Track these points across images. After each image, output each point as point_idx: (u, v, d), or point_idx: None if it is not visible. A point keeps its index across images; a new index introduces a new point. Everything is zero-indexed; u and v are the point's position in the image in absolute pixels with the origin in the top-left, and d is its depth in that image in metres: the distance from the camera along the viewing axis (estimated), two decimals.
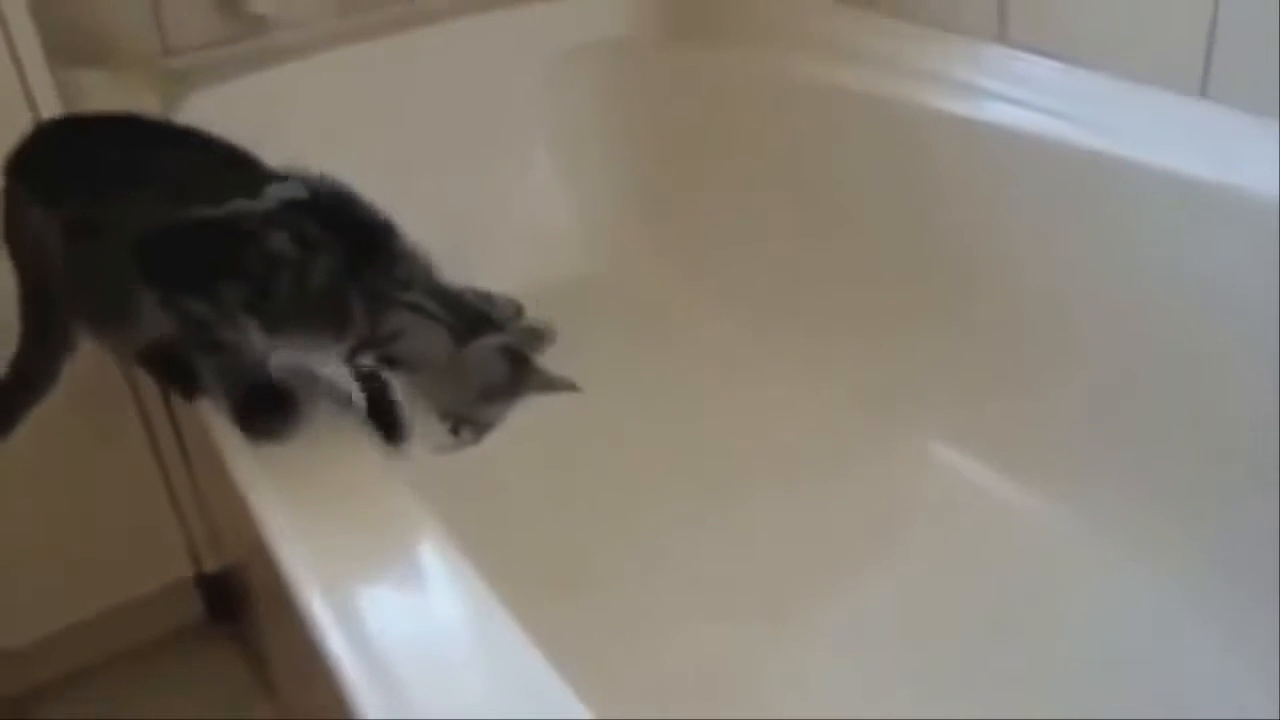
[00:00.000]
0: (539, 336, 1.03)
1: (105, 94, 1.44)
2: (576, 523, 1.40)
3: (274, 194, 0.95)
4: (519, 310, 1.03)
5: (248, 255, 0.93)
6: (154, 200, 0.95)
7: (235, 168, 1.00)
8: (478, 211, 1.80)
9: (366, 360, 0.97)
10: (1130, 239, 1.29)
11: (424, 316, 0.96)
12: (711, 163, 1.79)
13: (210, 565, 1.51)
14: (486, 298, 1.01)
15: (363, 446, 0.97)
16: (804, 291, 1.68)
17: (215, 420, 0.98)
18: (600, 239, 1.89)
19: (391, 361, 0.97)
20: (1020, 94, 1.40)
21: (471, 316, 0.97)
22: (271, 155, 1.48)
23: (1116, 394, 1.34)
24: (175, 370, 1.04)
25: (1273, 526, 1.15)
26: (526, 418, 1.02)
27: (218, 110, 1.57)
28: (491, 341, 0.97)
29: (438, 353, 0.96)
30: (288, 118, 1.64)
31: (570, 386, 1.01)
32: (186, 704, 1.45)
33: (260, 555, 0.87)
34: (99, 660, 1.49)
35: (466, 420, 0.99)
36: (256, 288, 0.94)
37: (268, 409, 0.97)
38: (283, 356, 0.98)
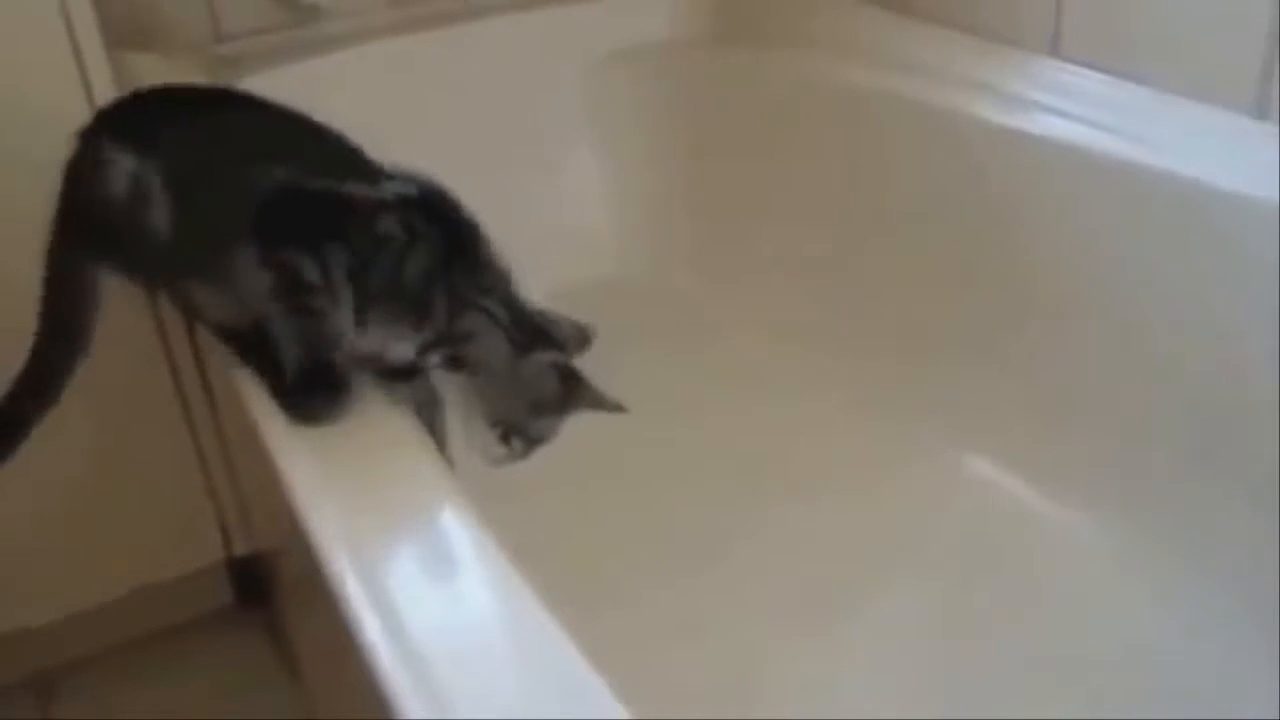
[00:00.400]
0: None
1: (157, 78, 1.44)
2: (606, 531, 1.40)
3: (390, 187, 1.00)
4: (587, 338, 1.05)
5: (358, 228, 0.96)
6: (268, 168, 0.97)
7: (349, 156, 1.03)
8: (517, 209, 1.78)
9: (436, 357, 0.99)
10: (1181, 257, 1.28)
11: (493, 323, 0.98)
12: (752, 168, 1.78)
13: (241, 549, 1.51)
14: (554, 320, 1.04)
15: (403, 429, 0.96)
16: (841, 301, 1.67)
17: (254, 397, 0.97)
18: (638, 242, 1.88)
19: (457, 361, 1.00)
20: (1072, 107, 1.39)
21: (533, 331, 1.00)
22: None
23: (1156, 409, 1.33)
24: (257, 353, 1.02)
25: None
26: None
27: (266, 96, 1.58)
28: (546, 357, 1.00)
29: (499, 360, 0.99)
30: (334, 106, 1.63)
31: (618, 407, 1.04)
32: (212, 687, 1.45)
33: (295, 537, 0.86)
34: (126, 641, 1.49)
35: (517, 431, 1.02)
36: (359, 260, 0.96)
37: (321, 389, 0.97)
38: (362, 340, 0.99)
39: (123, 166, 0.98)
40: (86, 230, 1.01)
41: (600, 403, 1.03)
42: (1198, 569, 1.27)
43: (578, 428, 1.04)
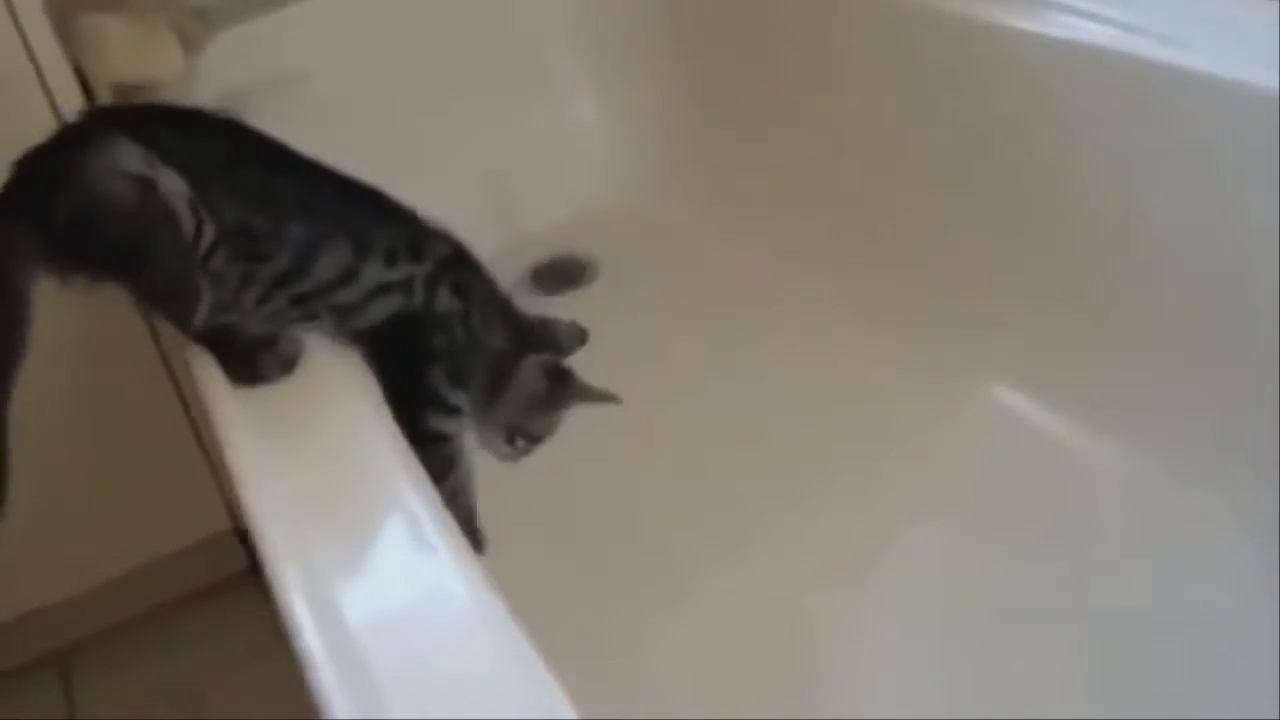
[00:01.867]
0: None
1: (123, 40, 1.40)
2: (632, 484, 1.37)
3: (433, 253, 1.03)
4: (583, 337, 1.14)
5: (437, 338, 1.02)
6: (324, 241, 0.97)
7: (385, 211, 1.03)
8: (511, 144, 1.75)
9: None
10: (1201, 159, 1.19)
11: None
12: (751, 86, 1.71)
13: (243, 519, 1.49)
14: (552, 325, 1.12)
15: (360, 415, 0.92)
16: (848, 223, 1.60)
17: (207, 383, 0.94)
18: (635, 169, 1.82)
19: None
20: (1086, 5, 1.29)
21: (528, 337, 1.08)
22: (301, 95, 1.47)
23: (1185, 328, 1.25)
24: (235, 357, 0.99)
25: None
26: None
27: (244, 51, 1.54)
28: (535, 359, 1.06)
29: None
30: (315, 55, 1.60)
31: (611, 399, 1.09)
32: (230, 652, 1.45)
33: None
34: (142, 613, 1.50)
35: (519, 430, 1.08)
36: (452, 362, 1.04)
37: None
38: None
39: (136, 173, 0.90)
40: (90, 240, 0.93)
41: (592, 396, 1.08)
42: (1229, 503, 1.20)
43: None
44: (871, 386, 1.46)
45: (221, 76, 1.45)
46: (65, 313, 1.28)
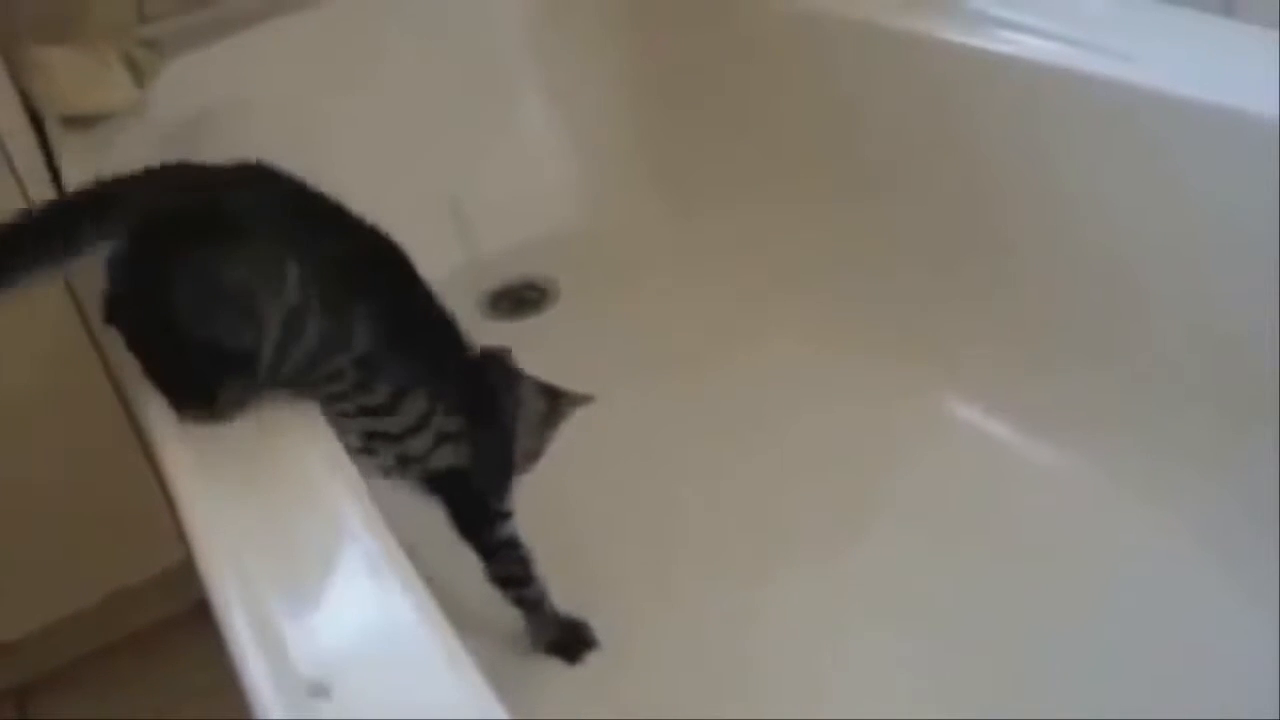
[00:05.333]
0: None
1: (73, 70, 1.39)
2: (607, 489, 1.37)
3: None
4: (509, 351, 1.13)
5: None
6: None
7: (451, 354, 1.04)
8: (470, 167, 1.74)
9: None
10: (1161, 176, 1.21)
11: None
12: (709, 101, 1.71)
13: None
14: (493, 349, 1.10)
15: (308, 450, 0.91)
16: (812, 242, 1.61)
17: (156, 425, 0.92)
18: (598, 190, 1.82)
19: None
20: (1034, 21, 1.31)
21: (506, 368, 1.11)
22: (255, 122, 1.46)
23: (1138, 341, 1.27)
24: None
25: None
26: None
27: (196, 78, 1.53)
28: (529, 383, 1.10)
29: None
30: (269, 80, 1.59)
31: (588, 399, 1.12)
32: (188, 685, 1.43)
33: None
34: (105, 646, 1.49)
35: (531, 454, 1.11)
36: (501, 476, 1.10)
37: None
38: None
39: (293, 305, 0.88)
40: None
41: (577, 401, 1.11)
42: (1185, 506, 1.22)
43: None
44: (835, 388, 1.48)
45: (175, 105, 1.44)
46: (20, 350, 1.29)
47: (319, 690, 0.69)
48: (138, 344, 0.91)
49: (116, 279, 0.88)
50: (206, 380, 0.90)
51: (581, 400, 1.11)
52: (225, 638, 0.75)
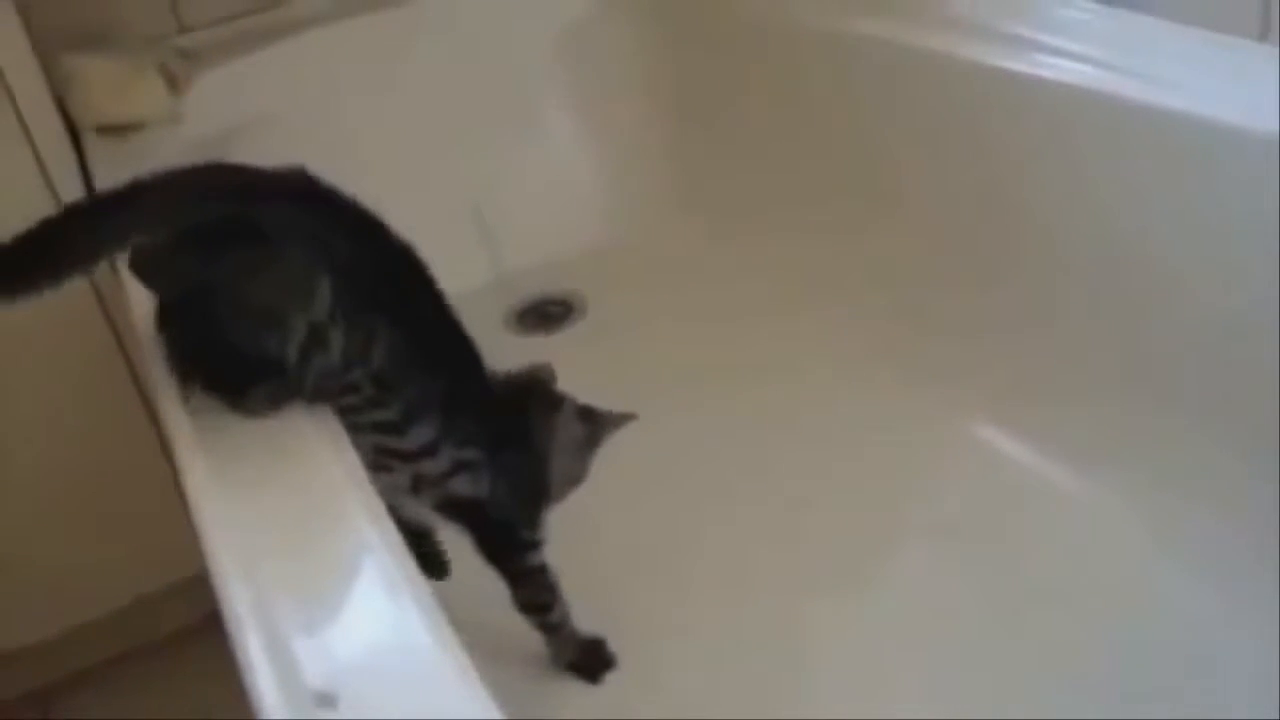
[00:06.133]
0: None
1: (108, 80, 1.41)
2: (629, 508, 1.36)
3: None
4: (552, 372, 1.12)
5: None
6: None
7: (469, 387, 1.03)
8: (497, 181, 1.75)
9: None
10: (1192, 199, 1.19)
11: None
12: (738, 117, 1.71)
13: None
14: (534, 372, 1.11)
15: (327, 463, 0.91)
16: (842, 262, 1.60)
17: (176, 431, 0.93)
18: (626, 205, 1.82)
19: None
20: (1067, 44, 1.30)
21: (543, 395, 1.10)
22: (286, 133, 1.47)
23: (1169, 371, 1.26)
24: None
25: None
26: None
27: (230, 89, 1.54)
28: (568, 407, 1.09)
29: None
30: (301, 93, 1.60)
31: (630, 418, 1.11)
32: (210, 692, 1.43)
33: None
34: (124, 652, 1.49)
35: (570, 480, 1.11)
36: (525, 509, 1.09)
37: None
38: None
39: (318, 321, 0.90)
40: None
41: (617, 422, 1.10)
42: (1210, 531, 1.20)
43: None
44: (861, 410, 1.47)
45: (208, 116, 1.46)
46: (49, 358, 1.30)
47: (325, 700, 0.69)
48: (184, 348, 0.93)
49: (159, 284, 0.91)
50: (240, 382, 0.91)
51: (623, 420, 1.10)
52: (234, 644, 0.75)
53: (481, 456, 1.02)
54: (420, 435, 0.97)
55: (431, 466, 1.00)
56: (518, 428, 1.06)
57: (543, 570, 1.11)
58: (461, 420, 0.99)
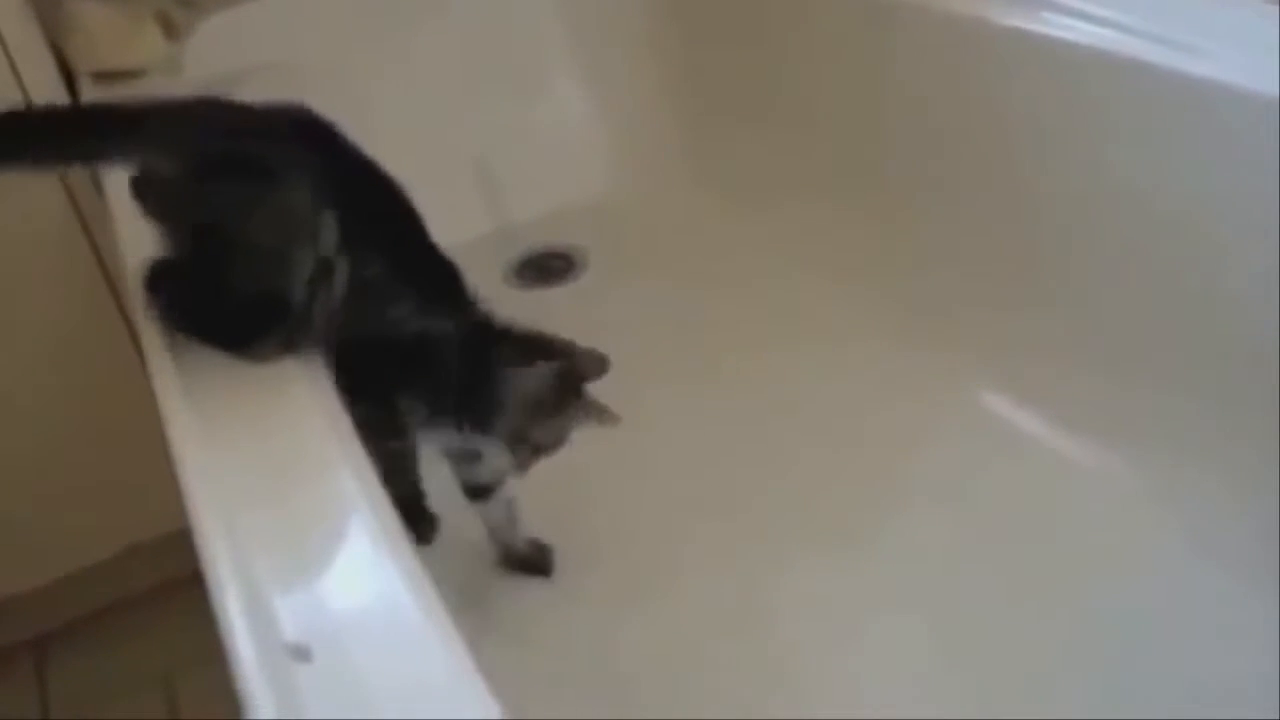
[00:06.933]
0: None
1: (106, 26, 1.39)
2: (629, 472, 1.35)
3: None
4: (603, 367, 1.09)
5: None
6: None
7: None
8: (501, 133, 1.73)
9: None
10: (1208, 166, 1.16)
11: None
12: (745, 75, 1.69)
13: None
14: (573, 347, 1.08)
15: (313, 418, 0.90)
16: (850, 228, 1.58)
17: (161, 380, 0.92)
18: (632, 163, 1.80)
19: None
20: (1097, 9, 1.26)
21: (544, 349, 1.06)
22: (286, 82, 1.45)
23: (1179, 340, 1.23)
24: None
25: None
26: None
27: (229, 37, 1.53)
28: (549, 364, 1.05)
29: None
30: (301, 42, 1.59)
31: (613, 419, 1.07)
32: (201, 642, 1.43)
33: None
34: (116, 602, 1.49)
35: (521, 437, 1.07)
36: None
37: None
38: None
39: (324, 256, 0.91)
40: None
41: (595, 412, 1.07)
42: (1218, 507, 1.18)
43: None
44: (865, 376, 1.45)
45: (206, 63, 1.44)
46: (40, 301, 1.29)
47: (299, 653, 0.69)
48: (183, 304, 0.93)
49: (162, 212, 0.90)
50: (245, 331, 0.91)
51: (602, 413, 1.08)
52: (211, 595, 0.74)
53: (451, 331, 1.01)
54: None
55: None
56: (493, 346, 1.04)
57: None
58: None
